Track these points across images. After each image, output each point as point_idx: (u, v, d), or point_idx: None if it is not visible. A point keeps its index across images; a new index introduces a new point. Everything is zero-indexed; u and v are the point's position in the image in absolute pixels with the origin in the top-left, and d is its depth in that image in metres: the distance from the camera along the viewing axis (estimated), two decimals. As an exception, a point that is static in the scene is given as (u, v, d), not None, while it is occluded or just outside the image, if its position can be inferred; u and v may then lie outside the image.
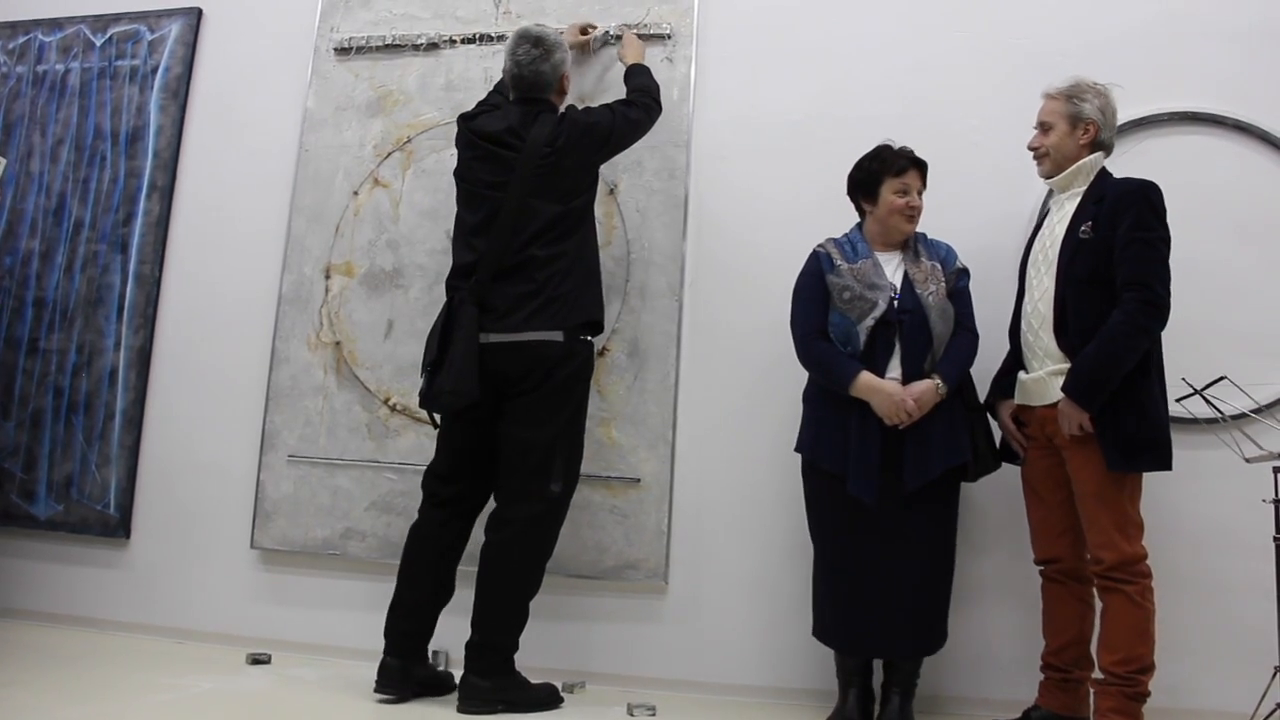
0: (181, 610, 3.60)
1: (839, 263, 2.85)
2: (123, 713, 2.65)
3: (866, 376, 2.72)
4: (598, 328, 3.06)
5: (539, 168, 2.92)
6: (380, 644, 2.89)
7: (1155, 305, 2.57)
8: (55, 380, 3.87)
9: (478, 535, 2.99)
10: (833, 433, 2.78)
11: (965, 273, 2.92)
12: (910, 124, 3.28)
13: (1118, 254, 2.61)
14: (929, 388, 2.70)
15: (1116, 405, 2.55)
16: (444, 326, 2.92)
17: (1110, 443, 2.55)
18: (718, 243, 3.42)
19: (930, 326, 2.75)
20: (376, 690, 2.85)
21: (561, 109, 3.11)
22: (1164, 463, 2.58)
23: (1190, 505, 2.90)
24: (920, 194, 2.90)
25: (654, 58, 3.49)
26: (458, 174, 3.11)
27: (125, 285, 3.86)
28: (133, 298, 3.85)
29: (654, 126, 3.23)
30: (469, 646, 2.85)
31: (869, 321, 2.74)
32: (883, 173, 2.88)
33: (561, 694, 2.92)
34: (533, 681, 2.92)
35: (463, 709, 2.78)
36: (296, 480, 3.54)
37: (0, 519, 3.82)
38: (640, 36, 3.49)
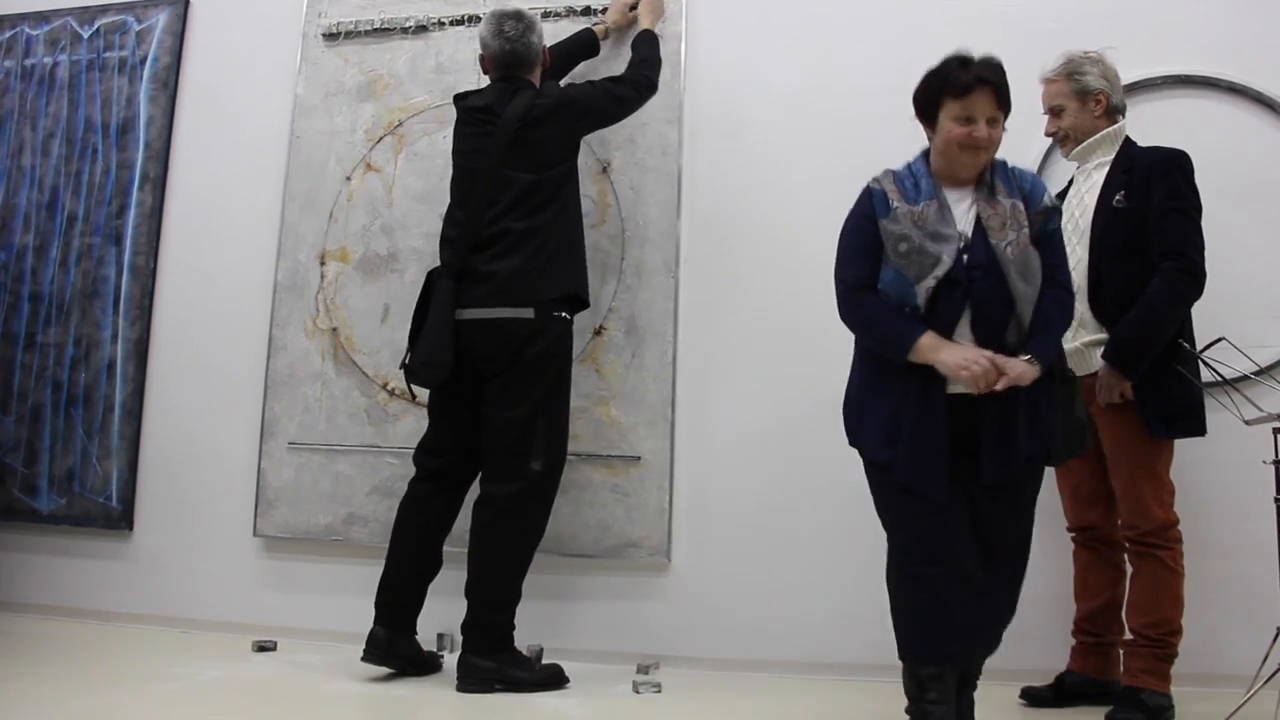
0: (186, 600, 3.60)
1: (896, 204, 2.26)
2: (130, 703, 2.66)
3: (931, 339, 2.17)
4: (579, 303, 3.04)
5: (513, 139, 2.92)
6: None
7: (1193, 274, 2.61)
8: (54, 374, 3.87)
9: (467, 513, 3.01)
10: (881, 412, 2.27)
11: (1056, 211, 2.34)
12: (904, 94, 3.24)
13: (1154, 224, 2.63)
14: (1022, 371, 2.15)
15: (1158, 373, 2.59)
16: (421, 301, 2.97)
17: (1152, 411, 2.60)
18: (713, 218, 3.41)
19: (1010, 286, 2.20)
20: (363, 658, 2.89)
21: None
22: (1200, 429, 2.65)
23: (1190, 468, 2.89)
24: (995, 123, 2.26)
25: (643, 33, 3.48)
26: (452, 152, 3.14)
27: (120, 277, 3.86)
28: (128, 289, 3.84)
29: (648, 102, 3.21)
30: (464, 626, 2.87)
31: (929, 281, 2.19)
32: (942, 93, 2.28)
33: (567, 676, 2.93)
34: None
35: (461, 688, 2.80)
36: (297, 467, 3.54)
37: (3, 514, 3.83)
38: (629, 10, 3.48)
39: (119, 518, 3.71)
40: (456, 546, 3.01)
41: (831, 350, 3.22)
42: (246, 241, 3.75)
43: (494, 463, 2.92)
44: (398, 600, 2.95)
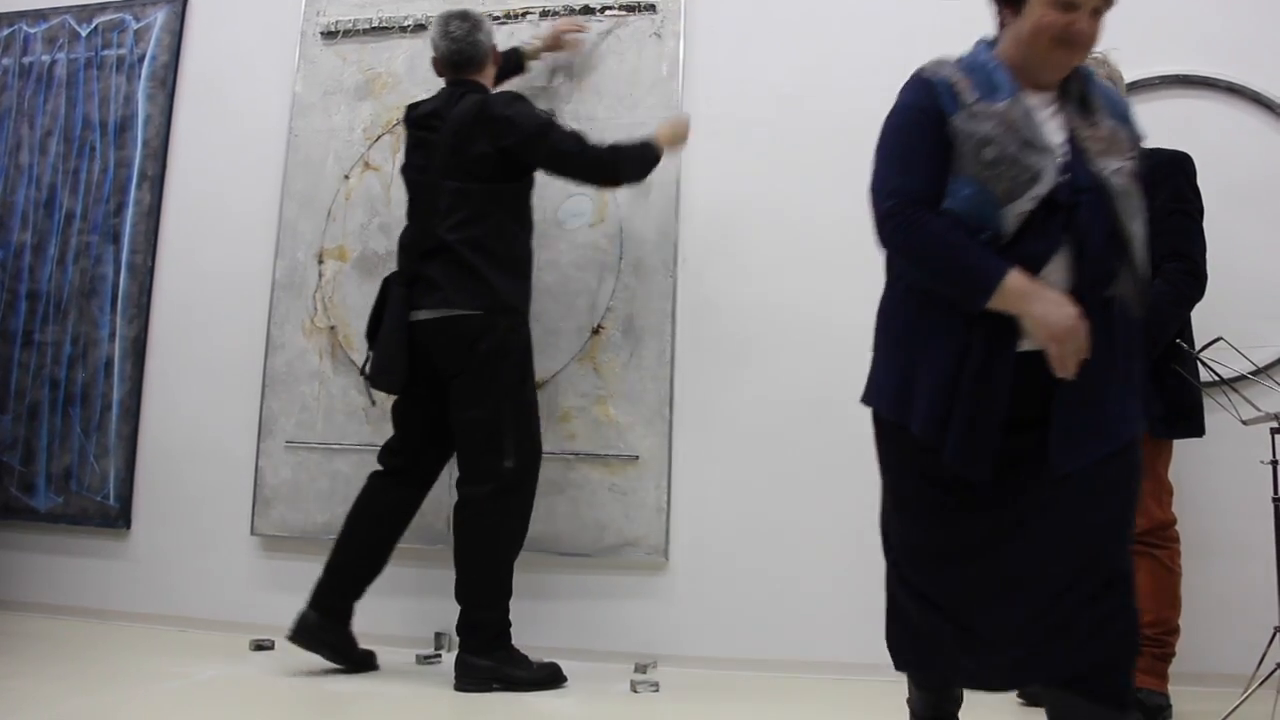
0: (184, 598, 3.60)
1: (970, 99, 1.73)
2: (128, 701, 2.66)
3: (1021, 280, 1.66)
4: (517, 315, 3.00)
5: (451, 147, 2.93)
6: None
7: (1196, 276, 2.63)
8: (51, 372, 3.86)
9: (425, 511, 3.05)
10: (935, 376, 1.74)
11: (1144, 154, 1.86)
12: (901, 93, 3.26)
13: (1156, 225, 2.62)
14: None
15: (1158, 374, 2.60)
16: (377, 307, 3.01)
17: (1153, 411, 2.58)
18: (711, 217, 3.40)
19: (1123, 225, 1.73)
20: (289, 637, 2.91)
21: (494, 87, 3.13)
22: (1199, 429, 2.67)
23: (1188, 468, 2.89)
24: (1099, 15, 1.77)
25: (641, 32, 3.49)
26: (401, 169, 3.18)
27: (118, 276, 3.85)
28: (126, 288, 3.84)
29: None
30: (458, 627, 2.88)
31: (1025, 203, 1.67)
32: None
33: (565, 675, 2.92)
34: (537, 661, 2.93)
35: (459, 687, 2.80)
36: (295, 466, 3.53)
37: (1, 512, 3.82)
38: (627, 9, 3.49)
39: (116, 516, 3.71)
40: (440, 544, 3.02)
41: (831, 349, 3.25)
42: (244, 240, 3.75)
43: (466, 464, 2.93)
44: (333, 588, 2.94)
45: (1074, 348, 1.65)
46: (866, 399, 1.92)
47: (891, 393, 1.82)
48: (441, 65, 3.08)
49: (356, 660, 2.99)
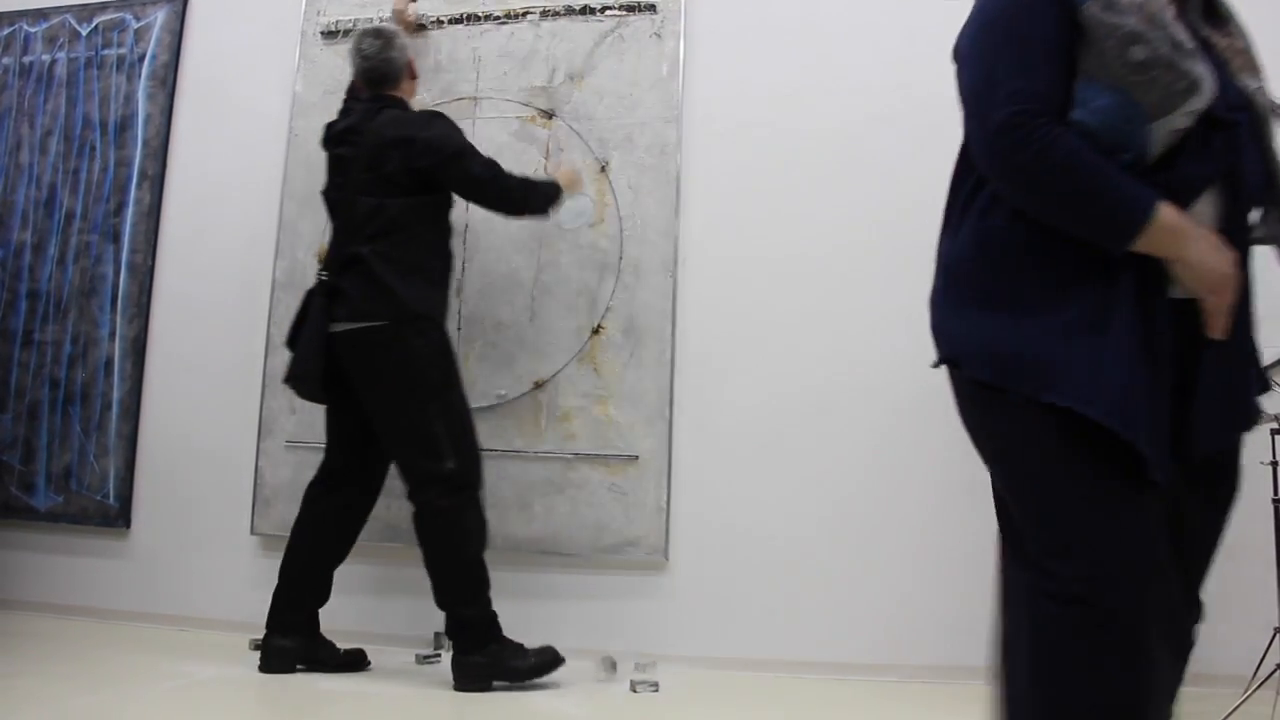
0: (183, 598, 3.60)
1: None
2: (129, 700, 2.65)
3: (1174, 214, 1.32)
4: (426, 321, 3.00)
5: (368, 163, 2.95)
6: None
7: None
8: (51, 372, 3.86)
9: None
10: (1112, 341, 1.31)
11: None
12: (903, 92, 3.28)
13: None
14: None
15: None
16: (298, 317, 3.04)
17: None
18: (711, 217, 3.40)
19: (1272, 153, 1.42)
20: (260, 668, 2.94)
21: (414, 101, 3.18)
22: None
23: (1188, 469, 2.89)
24: None
25: (641, 32, 3.49)
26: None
27: (118, 275, 3.85)
28: (126, 287, 3.84)
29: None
30: (446, 630, 2.90)
31: (1180, 118, 1.31)
32: None
33: (562, 656, 2.90)
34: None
35: (458, 687, 2.80)
36: (295, 465, 3.53)
37: (1, 512, 3.82)
38: (627, 9, 3.49)
39: (116, 515, 3.71)
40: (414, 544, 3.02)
41: (831, 349, 3.26)
42: (245, 239, 3.75)
43: (409, 474, 2.94)
44: (289, 603, 2.98)
45: (1231, 300, 1.34)
46: (987, 371, 1.40)
47: (1035, 361, 1.34)
48: (360, 81, 3.13)
49: (343, 662, 3.01)
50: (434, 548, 2.90)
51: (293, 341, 3.04)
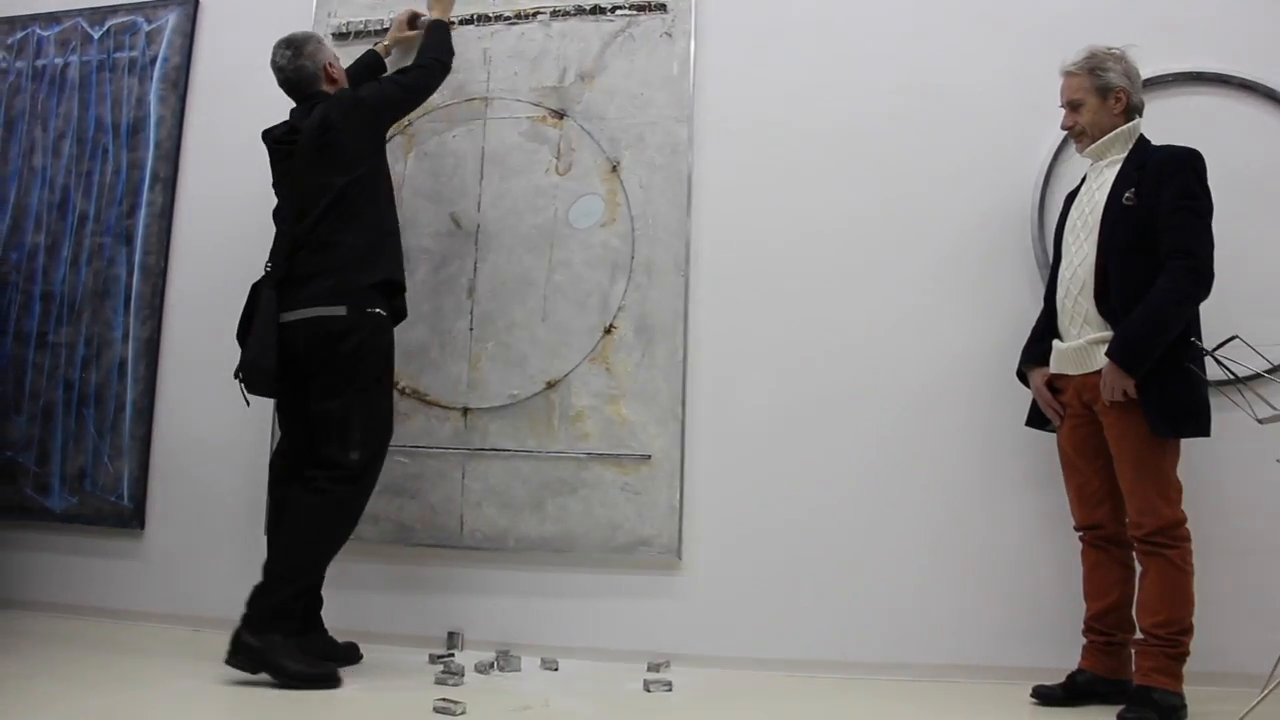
0: (198, 598, 3.61)
1: None
2: (146, 701, 2.66)
3: None
4: (393, 286, 3.06)
5: (317, 148, 3.00)
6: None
7: (1201, 273, 2.59)
8: (65, 374, 3.88)
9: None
10: None
11: None
12: (913, 92, 3.28)
13: (1163, 221, 2.62)
14: None
15: (1162, 372, 2.57)
16: (246, 311, 3.06)
17: (1156, 409, 2.57)
18: (723, 216, 3.40)
19: None
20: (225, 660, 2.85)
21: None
22: (1205, 429, 2.63)
23: (1201, 467, 2.88)
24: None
25: (652, 31, 3.49)
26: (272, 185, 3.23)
27: (131, 277, 3.87)
28: (139, 289, 3.85)
29: (656, 99, 3.20)
30: (250, 596, 2.82)
31: None
32: None
33: (341, 679, 2.82)
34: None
35: (229, 661, 2.76)
36: (308, 466, 3.54)
37: (16, 513, 3.84)
38: (637, 9, 3.49)
39: (130, 516, 3.72)
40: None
41: (843, 348, 3.25)
42: (257, 241, 3.73)
43: (321, 454, 2.94)
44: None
45: None
46: None
47: None
48: (287, 89, 3.18)
49: (343, 656, 3.02)
50: (299, 520, 2.90)
51: (242, 335, 3.05)
